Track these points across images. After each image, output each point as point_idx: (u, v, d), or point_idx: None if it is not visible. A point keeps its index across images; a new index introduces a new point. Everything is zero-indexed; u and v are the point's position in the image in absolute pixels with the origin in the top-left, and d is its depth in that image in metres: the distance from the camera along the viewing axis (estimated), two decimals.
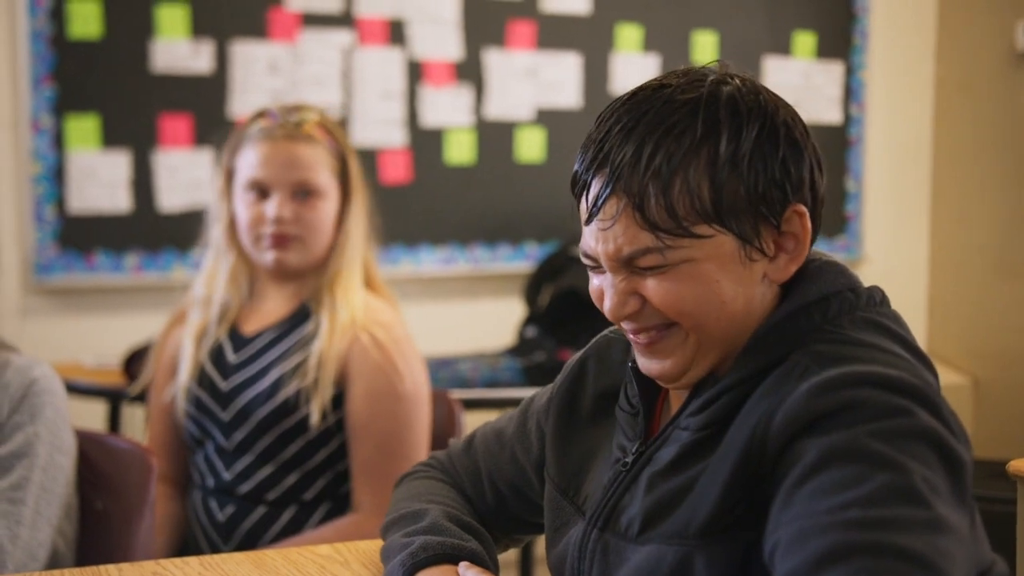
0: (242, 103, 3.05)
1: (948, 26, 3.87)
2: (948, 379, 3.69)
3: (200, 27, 3.01)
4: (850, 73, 3.79)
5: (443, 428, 1.85)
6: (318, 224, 1.70)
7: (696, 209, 0.92)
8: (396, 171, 3.23)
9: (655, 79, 0.97)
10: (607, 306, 0.96)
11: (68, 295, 2.99)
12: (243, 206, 1.72)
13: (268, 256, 1.71)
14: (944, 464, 0.84)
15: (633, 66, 3.45)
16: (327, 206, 1.72)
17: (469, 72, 3.28)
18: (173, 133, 3.01)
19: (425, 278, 3.31)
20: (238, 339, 1.74)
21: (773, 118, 0.94)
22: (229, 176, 1.75)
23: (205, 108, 3.03)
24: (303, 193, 1.70)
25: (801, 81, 3.70)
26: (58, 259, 2.95)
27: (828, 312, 0.95)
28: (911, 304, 3.92)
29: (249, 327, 1.75)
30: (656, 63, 3.48)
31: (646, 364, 0.99)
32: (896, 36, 3.87)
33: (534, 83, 3.35)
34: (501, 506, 1.20)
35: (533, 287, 2.99)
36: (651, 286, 0.94)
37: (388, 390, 1.66)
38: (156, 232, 3.01)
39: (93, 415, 2.77)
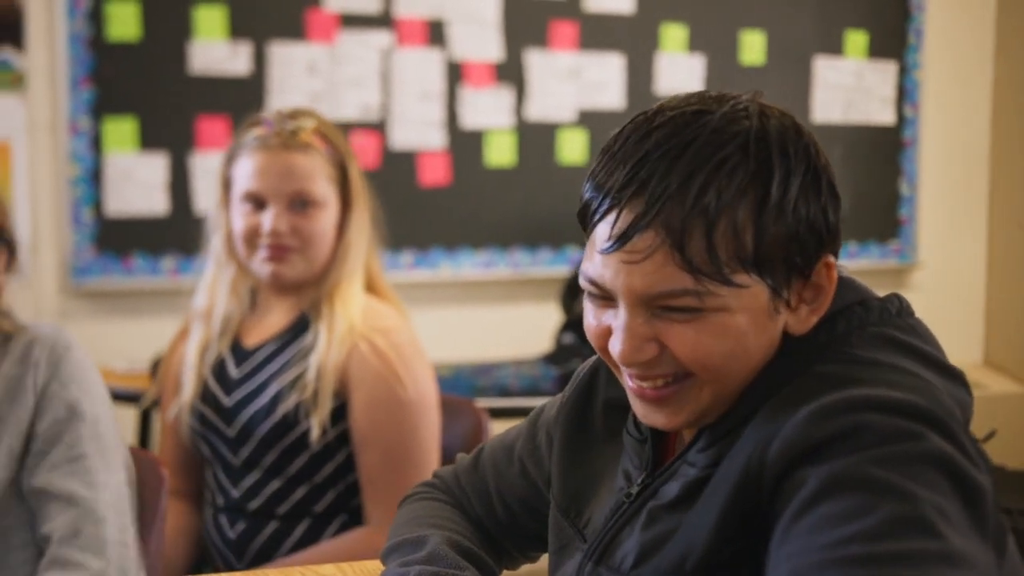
0: (280, 104, 3.00)
1: (1007, 23, 3.75)
2: (1006, 388, 3.56)
3: (238, 28, 2.99)
4: (904, 73, 3.68)
5: (470, 440, 1.80)
6: (316, 235, 1.64)
7: (737, 255, 0.83)
8: (435, 173, 3.19)
9: (680, 100, 0.89)
10: (618, 349, 0.86)
11: (105, 298, 2.99)
12: (239, 217, 1.66)
13: (265, 269, 1.65)
14: (959, 491, 0.77)
15: (678, 67, 3.38)
16: (326, 216, 1.66)
17: (510, 73, 3.23)
18: (211, 135, 2.99)
19: (464, 282, 3.26)
20: (240, 352, 1.70)
21: (816, 161, 0.87)
22: (226, 186, 1.69)
23: (243, 110, 2.97)
24: (300, 204, 1.64)
25: (853, 81, 3.60)
26: (95, 262, 2.94)
27: (835, 330, 0.88)
28: (967, 311, 3.80)
29: (251, 339, 1.70)
30: (701, 63, 3.40)
31: (649, 415, 0.90)
32: (953, 34, 3.75)
33: (576, 84, 3.29)
34: (513, 524, 1.13)
35: (570, 292, 2.93)
36: (676, 334, 0.85)
37: (390, 397, 1.61)
38: (193, 235, 2.98)
39: (123, 421, 2.75)
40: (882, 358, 0.85)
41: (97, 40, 2.89)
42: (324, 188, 1.65)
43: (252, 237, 1.64)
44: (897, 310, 0.91)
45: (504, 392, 2.57)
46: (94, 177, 2.92)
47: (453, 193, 3.20)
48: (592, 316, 0.90)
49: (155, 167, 2.95)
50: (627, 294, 0.85)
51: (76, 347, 1.46)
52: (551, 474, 1.07)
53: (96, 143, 2.91)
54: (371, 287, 1.71)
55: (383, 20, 3.11)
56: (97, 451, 1.41)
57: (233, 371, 1.68)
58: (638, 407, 0.91)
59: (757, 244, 0.83)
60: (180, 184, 2.98)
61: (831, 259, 0.88)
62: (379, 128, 3.12)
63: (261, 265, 1.65)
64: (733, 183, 0.83)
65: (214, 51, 2.98)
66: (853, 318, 0.89)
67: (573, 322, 2.84)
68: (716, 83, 3.40)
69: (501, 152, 3.24)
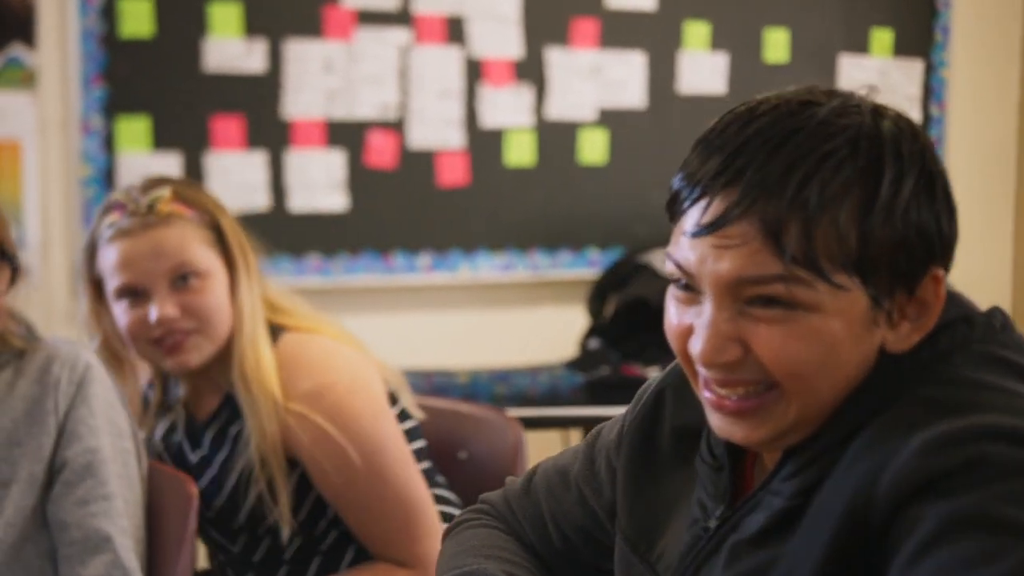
0: (296, 103, 2.95)
1: None
2: None
3: (253, 25, 2.92)
4: (930, 71, 3.61)
5: (506, 454, 1.73)
6: (212, 309, 1.49)
7: (839, 255, 0.77)
8: (454, 173, 3.12)
9: (787, 92, 0.82)
10: (698, 348, 0.80)
11: None
12: (121, 315, 1.50)
13: (167, 363, 1.51)
14: None
15: (701, 64, 3.31)
16: (215, 285, 1.50)
17: (530, 71, 3.15)
18: (225, 134, 2.92)
19: (483, 284, 3.19)
20: (193, 429, 1.59)
21: (932, 165, 0.80)
22: (96, 285, 1.53)
23: (258, 109, 2.94)
24: (182, 280, 1.48)
25: (878, 80, 3.52)
26: None
27: (937, 349, 0.80)
28: None
29: (201, 409, 1.60)
30: (725, 62, 3.33)
31: (726, 428, 0.83)
32: (981, 32, 3.67)
33: (597, 82, 3.22)
34: (571, 554, 1.06)
35: (597, 296, 2.86)
36: (763, 335, 0.78)
37: (342, 466, 1.49)
38: None
39: None
40: (989, 379, 0.78)
41: (110, 37, 2.81)
42: (203, 255, 1.50)
43: (141, 332, 1.49)
44: (1001, 325, 0.84)
45: (525, 400, 2.49)
46: (106, 177, 2.85)
47: (472, 194, 3.13)
48: (674, 314, 0.83)
49: (169, 167, 2.88)
50: (714, 280, 0.78)
51: (97, 367, 1.40)
52: (615, 504, 1.00)
53: (108, 142, 2.84)
54: (276, 314, 1.57)
55: (401, 17, 3.03)
56: (125, 489, 1.37)
57: (191, 455, 1.58)
58: (715, 420, 0.84)
59: (862, 246, 0.76)
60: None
61: (940, 273, 0.80)
62: (397, 127, 3.05)
63: (162, 360, 1.51)
64: (838, 179, 0.76)
65: (229, 48, 2.90)
66: (957, 335, 0.81)
67: (600, 327, 2.78)
68: (740, 82, 3.33)
69: (521, 152, 3.17)
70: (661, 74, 3.27)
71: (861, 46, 3.50)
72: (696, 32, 3.30)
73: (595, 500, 1.03)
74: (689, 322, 0.82)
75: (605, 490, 1.02)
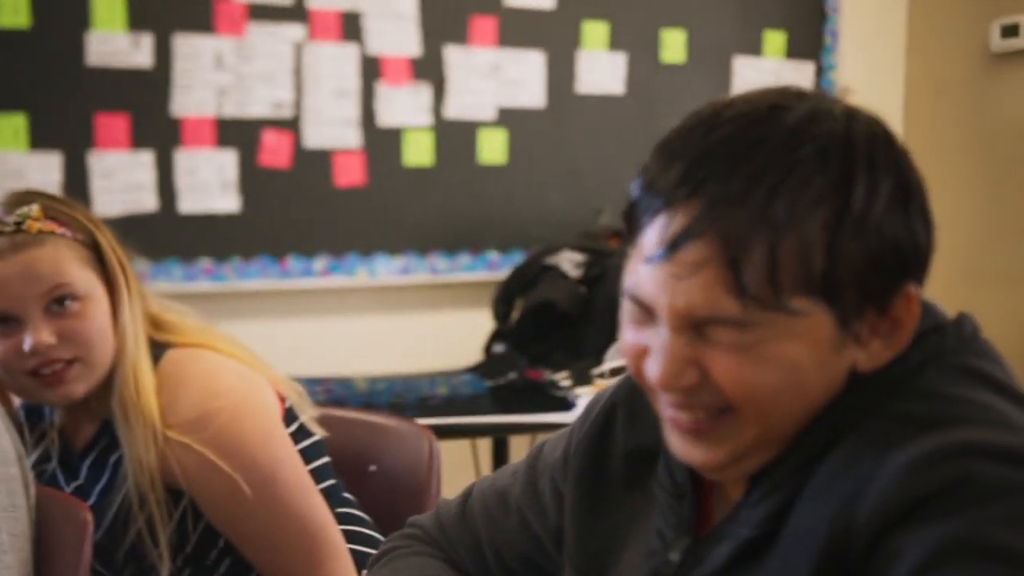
0: (185, 101, 2.83)
1: (919, 26, 3.76)
2: None
3: (139, 18, 2.78)
4: (821, 73, 3.66)
5: (419, 466, 1.66)
6: (93, 333, 1.37)
7: (802, 277, 0.71)
8: (350, 174, 3.03)
9: (756, 94, 0.77)
10: (655, 372, 0.76)
11: None
12: None
13: (47, 395, 1.37)
14: None
15: (599, 64, 3.29)
16: (95, 307, 1.38)
17: (428, 69, 3.08)
18: (109, 133, 2.77)
19: (381, 288, 3.11)
20: (69, 457, 1.47)
21: (908, 175, 0.75)
22: None
23: (144, 106, 2.80)
24: (58, 304, 1.35)
25: (771, 81, 3.54)
26: None
27: (909, 362, 0.76)
28: None
29: (78, 437, 1.47)
30: (623, 61, 3.31)
31: (684, 450, 0.79)
32: (866, 36, 3.75)
33: (496, 81, 3.17)
34: None
35: (503, 300, 2.80)
36: (720, 361, 0.74)
37: (230, 495, 1.37)
38: None
39: None
40: (965, 392, 0.74)
41: None
42: (81, 276, 1.36)
43: (15, 364, 1.35)
44: (972, 333, 0.80)
45: (428, 408, 2.40)
46: None
47: (369, 195, 3.05)
48: (629, 333, 0.78)
49: (48, 167, 2.72)
50: (671, 313, 0.74)
51: None
52: (560, 529, 0.94)
53: None
54: (159, 331, 1.46)
55: (295, 12, 2.93)
56: (10, 522, 1.25)
57: (66, 486, 1.46)
58: (673, 440, 0.79)
59: (829, 265, 0.72)
60: (75, 185, 2.75)
61: (914, 290, 0.76)
62: (291, 126, 2.95)
63: (42, 392, 1.38)
64: (808, 192, 0.71)
65: (113, 42, 2.76)
66: (929, 347, 0.77)
67: (505, 331, 2.73)
68: (638, 82, 3.32)
69: (419, 152, 3.10)
70: (560, 74, 3.24)
71: (755, 48, 3.53)
72: (595, 32, 3.28)
73: (538, 525, 0.98)
74: (645, 343, 0.77)
75: (550, 514, 0.97)
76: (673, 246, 0.73)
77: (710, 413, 0.76)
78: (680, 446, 0.79)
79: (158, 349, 1.43)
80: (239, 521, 1.40)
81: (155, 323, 1.46)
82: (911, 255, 0.75)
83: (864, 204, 0.72)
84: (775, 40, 3.56)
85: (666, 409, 0.79)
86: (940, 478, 0.68)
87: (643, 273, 0.75)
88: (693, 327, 0.74)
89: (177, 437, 1.36)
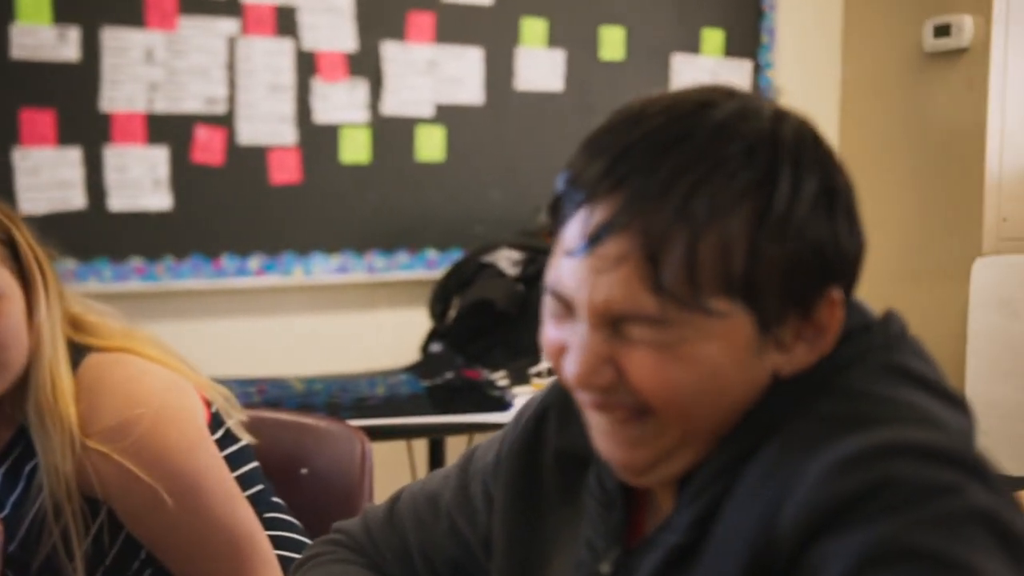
0: (114, 96, 2.76)
1: (854, 25, 3.80)
2: None
3: (65, 11, 2.71)
4: (758, 71, 3.68)
5: (351, 468, 1.63)
6: (6, 334, 1.30)
7: (723, 276, 0.70)
8: (286, 171, 2.98)
9: (685, 90, 0.76)
10: (571, 369, 0.74)
11: None
12: None
13: None
14: (1007, 550, 0.65)
15: (538, 61, 3.27)
16: (10, 307, 1.31)
17: (364, 65, 3.05)
18: (35, 129, 2.70)
19: (318, 287, 3.07)
20: None
21: (834, 178, 0.74)
22: None
23: (72, 102, 2.74)
24: None
25: (709, 79, 3.57)
26: None
27: (835, 362, 0.75)
28: None
29: None
30: (562, 58, 3.30)
31: (607, 449, 0.78)
32: (802, 35, 3.78)
33: (434, 78, 3.14)
34: None
35: (439, 299, 2.78)
36: (637, 361, 0.72)
37: (152, 506, 1.31)
38: None
39: None
40: (892, 393, 0.73)
41: None
42: None
43: None
44: (899, 330, 0.79)
45: (365, 408, 2.36)
46: None
47: (305, 192, 3.01)
48: (549, 329, 0.77)
49: None
50: (589, 309, 0.73)
51: None
52: (491, 537, 0.92)
53: None
54: (79, 333, 1.40)
55: (228, 6, 2.88)
56: None
57: None
58: (598, 441, 0.78)
59: (749, 266, 0.70)
60: (2, 183, 2.68)
61: (838, 294, 0.74)
62: (225, 122, 2.89)
63: None
64: (730, 188, 0.70)
65: (38, 35, 2.69)
66: (855, 346, 0.76)
67: (443, 330, 2.70)
68: (577, 79, 3.31)
69: (356, 149, 3.06)
70: (498, 70, 3.22)
71: (693, 46, 3.54)
72: (533, 28, 3.26)
73: (468, 530, 0.96)
74: (564, 340, 0.76)
75: (480, 519, 0.95)
76: (594, 240, 0.72)
77: (629, 415, 0.75)
78: (604, 446, 0.78)
79: (78, 353, 1.38)
80: (161, 533, 1.35)
81: (75, 324, 1.41)
82: (834, 259, 0.73)
83: (787, 205, 0.71)
84: (713, 38, 3.57)
85: (587, 410, 0.78)
86: (861, 480, 0.66)
87: (564, 267, 0.74)
88: (611, 324, 0.73)
89: (96, 446, 1.30)
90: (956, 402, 0.76)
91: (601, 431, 0.77)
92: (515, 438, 0.92)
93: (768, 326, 0.72)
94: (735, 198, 0.70)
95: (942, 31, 3.43)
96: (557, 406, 0.90)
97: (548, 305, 0.78)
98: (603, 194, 0.72)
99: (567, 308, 0.75)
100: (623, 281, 0.71)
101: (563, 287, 0.74)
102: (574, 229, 0.73)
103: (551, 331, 0.77)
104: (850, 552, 0.64)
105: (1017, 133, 3.36)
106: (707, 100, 0.74)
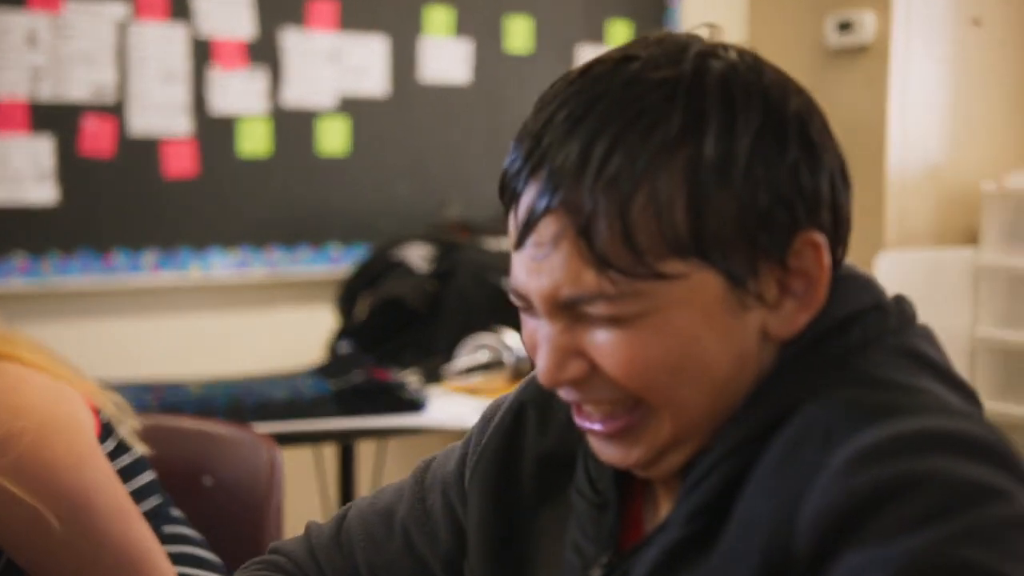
0: None
1: (759, 21, 3.81)
2: None
3: None
4: None
5: (259, 478, 1.54)
6: None
7: (666, 237, 0.65)
8: (181, 164, 2.85)
9: (619, 49, 0.70)
10: (539, 367, 0.70)
11: None
12: None
13: None
14: None
15: (444, 50, 3.19)
16: None
17: (264, 53, 2.93)
18: None
19: (216, 285, 2.94)
20: None
21: (781, 108, 0.67)
22: None
23: None
24: None
25: None
26: None
27: (849, 342, 0.68)
28: None
29: None
30: (469, 49, 3.23)
31: (603, 450, 0.72)
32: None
33: (337, 67, 3.03)
34: None
35: (348, 296, 2.68)
36: (601, 344, 0.67)
37: (36, 529, 1.21)
38: None
39: None
40: (909, 380, 0.67)
41: None
42: None
43: None
44: (912, 314, 0.73)
45: (267, 412, 2.23)
46: None
47: (201, 186, 2.87)
48: (524, 328, 0.73)
49: None
50: (539, 298, 0.69)
51: None
52: (454, 552, 0.85)
53: None
54: None
55: None
56: None
57: None
58: (593, 444, 0.73)
59: (695, 221, 0.65)
60: None
61: (816, 236, 0.68)
62: (115, 112, 2.75)
63: None
64: (650, 143, 0.65)
65: None
66: (870, 326, 0.69)
67: (351, 329, 2.60)
68: (484, 69, 3.24)
69: (255, 141, 2.94)
70: (404, 60, 3.13)
71: (599, 36, 3.50)
72: (439, 17, 3.18)
73: (427, 548, 0.87)
74: (536, 338, 0.72)
75: (441, 535, 0.87)
76: (526, 228, 0.68)
77: (617, 409, 0.69)
78: (599, 449, 0.72)
79: None
80: (47, 558, 1.23)
81: None
82: (797, 198, 0.67)
83: (722, 148, 0.65)
84: (619, 29, 3.53)
85: (575, 414, 0.72)
86: (892, 477, 0.59)
87: (515, 263, 0.71)
88: (566, 311, 0.68)
89: None
90: (968, 392, 0.70)
91: (593, 434, 0.72)
92: (488, 441, 0.85)
93: (740, 281, 0.66)
94: (658, 151, 0.65)
95: (844, 27, 3.46)
96: (536, 403, 0.83)
97: (515, 303, 0.73)
98: (528, 179, 0.68)
99: (528, 305, 0.71)
100: (563, 263, 0.67)
101: (516, 283, 0.71)
102: (512, 223, 0.70)
103: (525, 331, 0.73)
104: (879, 565, 0.57)
105: (918, 129, 3.41)
106: (626, 55, 0.68)
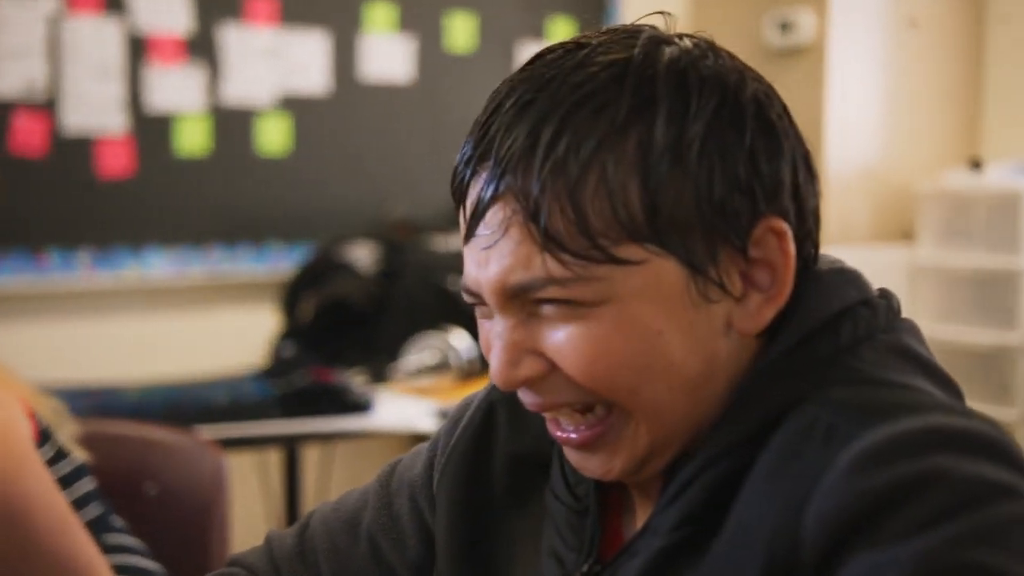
0: None
1: (700, 20, 3.82)
2: None
3: None
4: None
5: (203, 484, 1.50)
6: None
7: (620, 220, 0.63)
8: (116, 162, 2.78)
9: (572, 38, 0.68)
10: (492, 366, 0.67)
11: None
12: None
13: None
14: None
15: (386, 47, 3.15)
16: None
17: (201, 49, 2.87)
18: None
19: (153, 286, 2.87)
20: None
21: (736, 92, 0.66)
22: None
23: None
24: None
25: None
26: None
27: (839, 340, 0.66)
28: None
29: None
30: (413, 46, 3.19)
31: (583, 464, 0.70)
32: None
33: (277, 64, 2.98)
34: None
35: (291, 297, 2.63)
36: (558, 341, 0.65)
37: None
38: None
39: None
40: (900, 378, 0.65)
41: None
42: None
43: None
44: (898, 308, 0.71)
45: (208, 416, 2.18)
46: None
47: (138, 185, 2.81)
48: (481, 332, 0.70)
49: None
50: (489, 290, 0.66)
51: None
52: (421, 559, 0.82)
53: None
54: None
55: None
56: None
57: None
58: (568, 454, 0.70)
59: (649, 204, 0.63)
60: None
61: (778, 223, 0.66)
62: (47, 108, 2.68)
63: None
64: (598, 126, 0.63)
65: None
66: (860, 323, 0.67)
67: (294, 330, 2.56)
68: (427, 67, 3.21)
69: (193, 139, 2.88)
70: (345, 57, 3.09)
71: (540, 33, 3.48)
72: (380, 13, 3.14)
73: (394, 555, 0.85)
74: (489, 337, 0.70)
75: (409, 541, 0.84)
76: (475, 217, 0.66)
77: (589, 418, 0.67)
78: (578, 462, 0.70)
79: None
80: None
81: None
82: (755, 183, 0.65)
83: (674, 132, 0.64)
84: (561, 26, 3.52)
85: (548, 425, 0.70)
86: (899, 476, 0.57)
87: (466, 258, 0.69)
88: (518, 301, 0.66)
89: None
90: (954, 388, 0.69)
91: (570, 447, 0.69)
92: (456, 442, 0.82)
93: (700, 269, 0.65)
94: (607, 134, 0.64)
95: (784, 27, 3.48)
96: (506, 402, 0.80)
97: (467, 301, 0.71)
98: (476, 168, 0.67)
99: (480, 301, 0.69)
100: (512, 249, 0.65)
101: (467, 279, 0.68)
102: (462, 216, 0.68)
103: (481, 332, 0.71)
104: (890, 567, 0.55)
105: (855, 128, 3.44)
106: (578, 42, 0.67)
